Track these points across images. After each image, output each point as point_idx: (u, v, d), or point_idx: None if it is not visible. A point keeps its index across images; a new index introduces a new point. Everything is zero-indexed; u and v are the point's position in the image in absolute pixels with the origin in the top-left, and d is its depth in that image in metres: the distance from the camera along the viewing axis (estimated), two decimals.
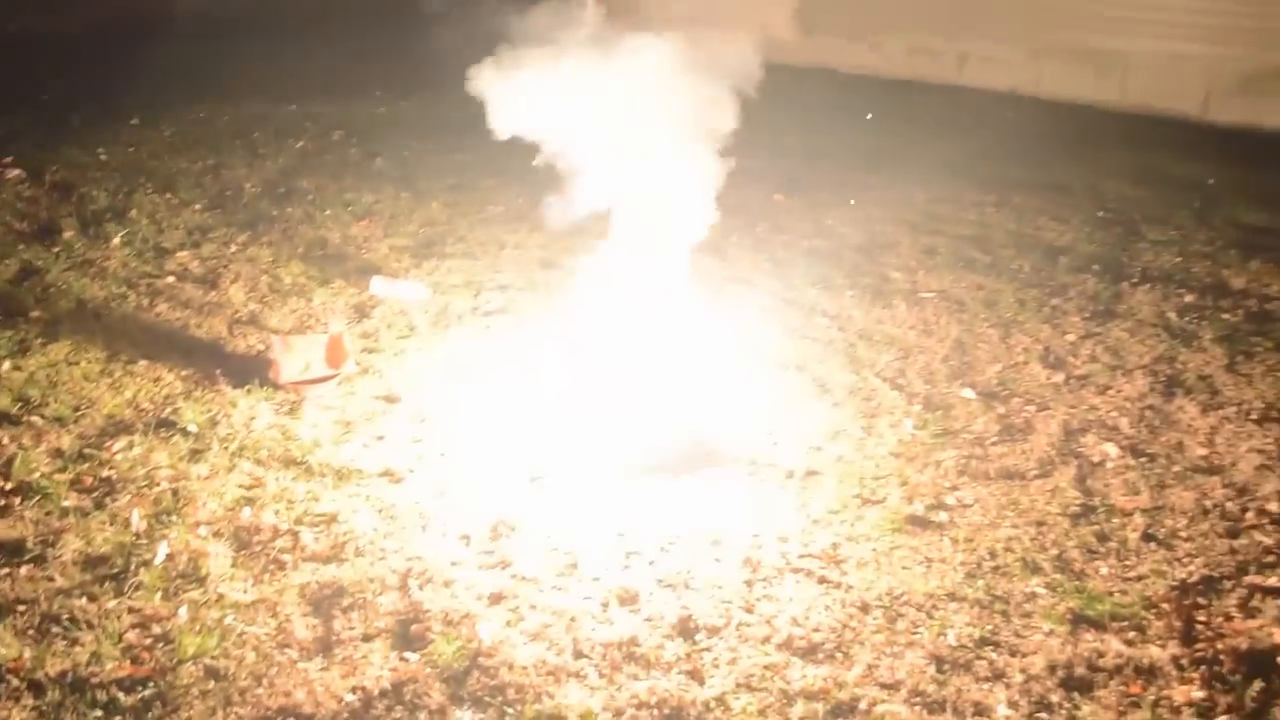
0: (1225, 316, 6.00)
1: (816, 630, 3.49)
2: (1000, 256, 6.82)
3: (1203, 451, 4.66)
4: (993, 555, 3.93)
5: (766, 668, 3.32)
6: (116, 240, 6.34)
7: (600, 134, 4.42)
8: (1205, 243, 7.18)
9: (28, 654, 3.18)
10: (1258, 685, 3.34)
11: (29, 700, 3.02)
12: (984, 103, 11.04)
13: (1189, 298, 6.25)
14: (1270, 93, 10.27)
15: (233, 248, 6.38)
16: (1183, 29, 10.60)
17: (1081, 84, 11.13)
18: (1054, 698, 3.27)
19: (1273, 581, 3.85)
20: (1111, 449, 4.66)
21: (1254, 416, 4.94)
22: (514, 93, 4.38)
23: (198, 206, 7.05)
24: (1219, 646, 3.54)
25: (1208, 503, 4.30)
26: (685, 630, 3.46)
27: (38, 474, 4.06)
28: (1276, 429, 4.82)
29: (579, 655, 3.33)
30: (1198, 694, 3.32)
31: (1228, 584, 3.82)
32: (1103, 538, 4.06)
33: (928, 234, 7.15)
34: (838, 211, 7.49)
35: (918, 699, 3.24)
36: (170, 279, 5.91)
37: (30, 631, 3.26)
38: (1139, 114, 10.56)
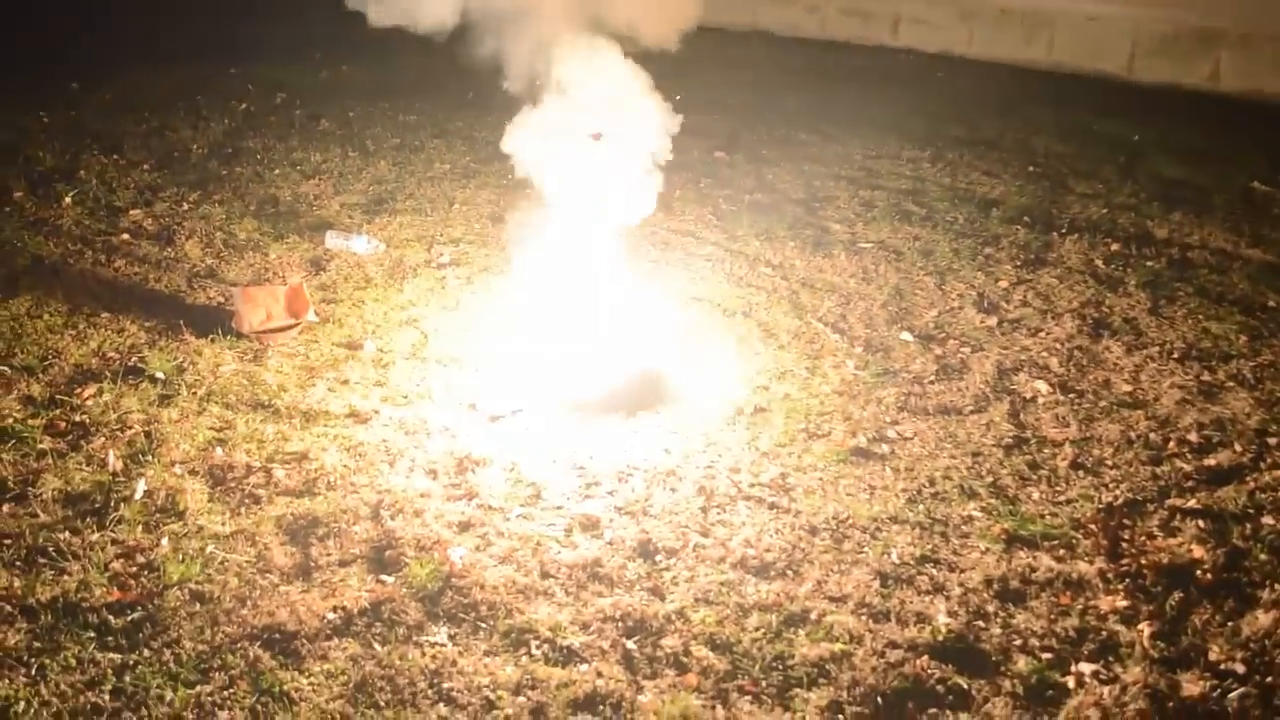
0: (1149, 264, 6.26)
1: (768, 551, 3.71)
2: (936, 209, 7.04)
3: (1128, 388, 4.91)
4: (932, 483, 4.15)
5: (723, 584, 3.53)
6: (68, 200, 6.40)
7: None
8: (1130, 195, 7.44)
9: (18, 583, 3.31)
10: (1177, 595, 3.60)
11: (23, 624, 3.17)
12: (917, 63, 11.29)
13: (1115, 246, 6.50)
14: (1190, 53, 10.60)
15: (185, 206, 6.45)
16: None
17: (1011, 45, 11.40)
18: (990, 608, 3.51)
19: (1192, 504, 4.10)
20: (1042, 386, 4.89)
21: (1176, 355, 5.19)
22: None
23: (146, 167, 7.09)
24: (1142, 562, 3.78)
25: (1132, 434, 4.54)
26: (645, 552, 3.66)
27: (11, 420, 4.17)
28: (1196, 366, 5.07)
29: (546, 575, 3.52)
30: (1122, 603, 3.57)
31: (1151, 506, 4.07)
32: (1034, 466, 4.30)
33: (866, 188, 7.36)
34: (778, 167, 7.68)
35: (864, 610, 3.46)
36: (125, 236, 5.98)
37: (18, 563, 3.40)
38: (1066, 73, 10.85)
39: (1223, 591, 3.63)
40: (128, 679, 3.00)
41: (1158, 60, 10.75)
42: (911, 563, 3.70)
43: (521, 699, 3.03)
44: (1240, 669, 3.32)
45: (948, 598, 3.54)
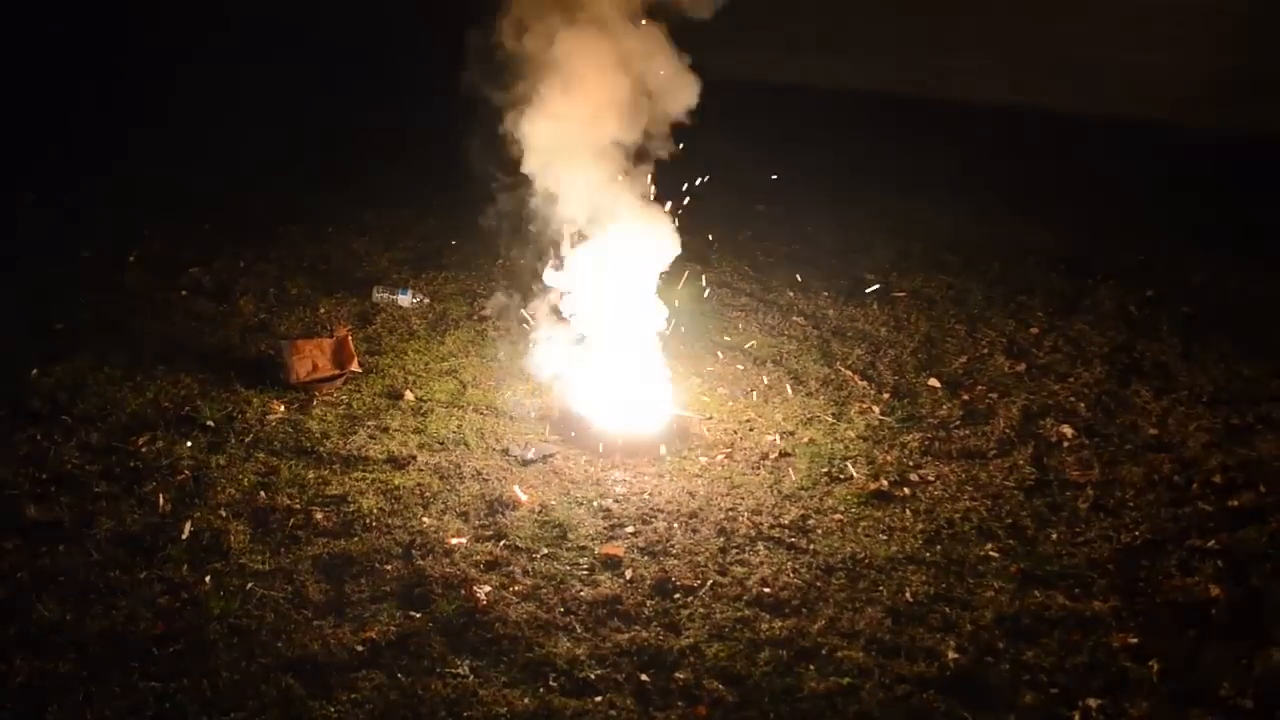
0: (1184, 309, 6.28)
1: (784, 589, 3.83)
2: (971, 258, 7.12)
3: (1154, 431, 4.97)
4: (951, 524, 4.25)
5: (737, 620, 3.66)
6: (130, 259, 6.69)
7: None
8: (1170, 241, 7.45)
9: (69, 616, 3.54)
10: (1190, 633, 3.66)
11: (73, 654, 3.39)
12: (965, 115, 11.35)
13: (1150, 292, 6.53)
14: (1241, 99, 10.58)
15: (241, 264, 6.71)
16: (1155, 40, 10.93)
17: (1060, 94, 11.45)
18: (1000, 645, 3.59)
19: (1211, 544, 4.14)
20: (1068, 430, 4.96)
21: (1205, 399, 5.22)
22: None
23: (207, 226, 7.37)
24: (1157, 601, 3.85)
25: (1155, 476, 4.60)
26: (664, 590, 3.80)
27: (70, 465, 4.44)
28: (1225, 410, 5.11)
29: (567, 612, 3.67)
30: (1133, 640, 3.63)
31: (1169, 547, 4.13)
32: (1055, 508, 4.38)
33: (903, 238, 7.45)
34: (817, 219, 7.79)
35: (874, 646, 3.57)
36: (183, 293, 6.26)
37: (71, 598, 3.63)
38: (1115, 122, 10.86)
39: (1238, 630, 3.69)
40: (167, 706, 3.20)
41: (1207, 107, 10.74)
42: (925, 601, 3.80)
43: None
44: (1249, 705, 3.38)
45: (958, 634, 3.63)
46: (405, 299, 6.12)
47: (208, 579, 3.75)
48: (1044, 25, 11.48)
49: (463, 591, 3.72)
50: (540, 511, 4.23)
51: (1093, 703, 3.35)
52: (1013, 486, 4.52)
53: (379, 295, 6.15)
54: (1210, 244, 7.34)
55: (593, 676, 3.39)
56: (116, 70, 10.90)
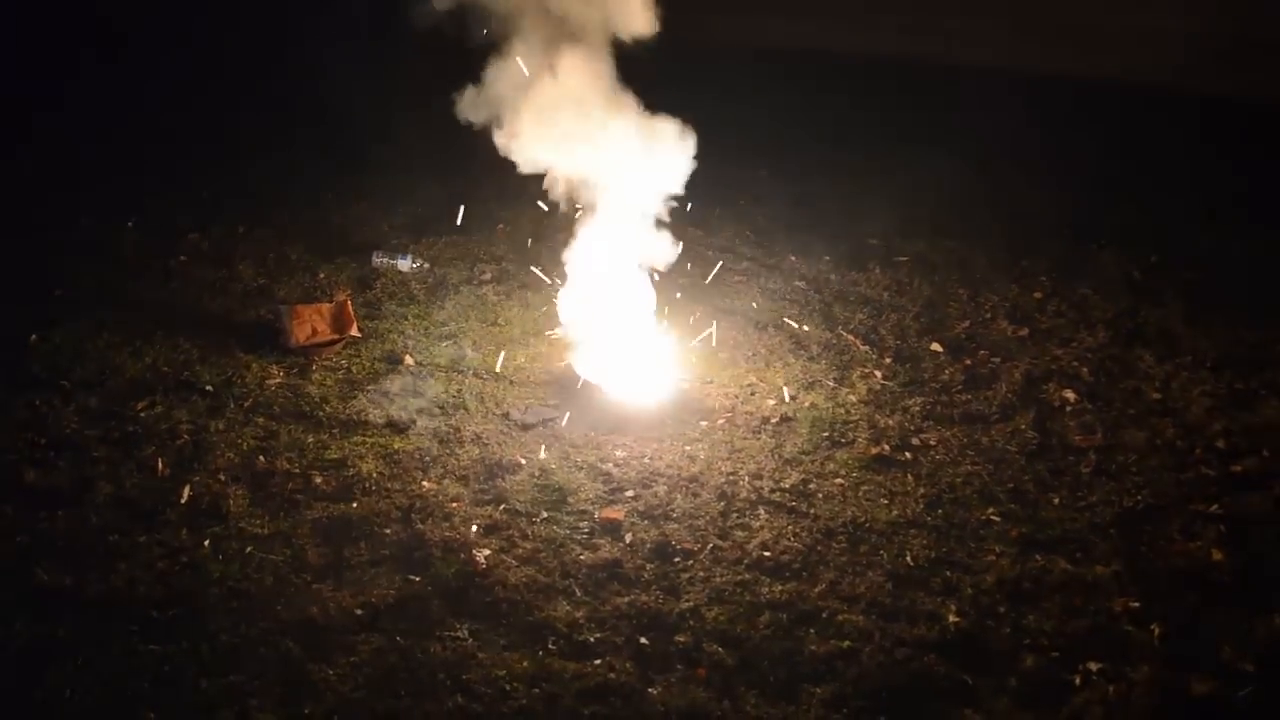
0: (1188, 275, 6.24)
1: (784, 553, 3.82)
2: (975, 222, 7.07)
3: (1157, 396, 4.95)
4: (952, 489, 4.24)
5: (737, 584, 3.65)
6: (129, 225, 6.66)
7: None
8: (1176, 207, 7.39)
9: (68, 580, 3.53)
10: (1192, 598, 3.66)
11: (72, 618, 3.38)
12: (968, 80, 11.27)
13: (1154, 258, 6.49)
14: (1244, 65, 10.50)
15: (240, 230, 6.68)
16: (1160, 4, 10.84)
17: (1065, 59, 11.37)
18: (1001, 608, 3.59)
19: (1214, 509, 4.14)
20: (1071, 394, 4.94)
21: (1208, 365, 5.19)
22: None
23: (205, 194, 7.32)
24: (1159, 565, 3.84)
25: (1158, 441, 4.58)
26: (663, 554, 3.80)
27: (69, 430, 4.43)
28: (1229, 375, 5.08)
29: (566, 575, 3.68)
30: (1135, 604, 3.63)
31: (1171, 511, 4.12)
32: (1057, 472, 4.36)
33: (905, 203, 7.38)
34: (819, 185, 7.74)
35: (875, 609, 3.57)
36: (182, 259, 6.23)
37: (70, 562, 3.63)
38: (1121, 87, 10.78)
39: (1239, 595, 3.68)
40: (166, 669, 3.21)
41: (1210, 72, 10.66)
42: (926, 565, 3.80)
43: (535, 690, 3.18)
44: (1250, 669, 3.38)
45: (959, 598, 3.63)
46: (405, 264, 6.09)
47: (207, 543, 3.75)
48: None
49: (462, 555, 3.72)
50: (540, 475, 4.23)
51: (1093, 666, 3.36)
52: (1015, 451, 4.51)
53: (378, 260, 6.13)
54: (1215, 210, 7.28)
55: (592, 640, 3.39)
56: (115, 39, 10.82)
